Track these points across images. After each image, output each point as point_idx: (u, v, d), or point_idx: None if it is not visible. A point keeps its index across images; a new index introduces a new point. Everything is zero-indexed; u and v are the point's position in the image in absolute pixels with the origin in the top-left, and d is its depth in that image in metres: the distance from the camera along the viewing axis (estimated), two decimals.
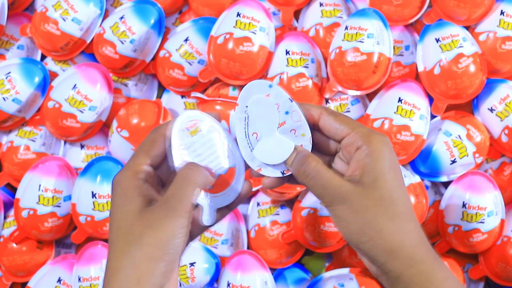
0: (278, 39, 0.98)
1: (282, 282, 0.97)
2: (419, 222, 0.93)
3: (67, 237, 1.01)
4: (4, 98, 0.97)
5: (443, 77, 0.93)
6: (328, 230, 0.93)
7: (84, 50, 1.02)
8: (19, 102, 0.98)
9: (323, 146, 0.63)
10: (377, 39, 0.93)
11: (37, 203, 0.95)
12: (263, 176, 0.61)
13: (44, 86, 0.99)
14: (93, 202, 0.93)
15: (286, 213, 0.98)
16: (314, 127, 0.61)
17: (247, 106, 0.61)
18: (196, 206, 0.59)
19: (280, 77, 0.95)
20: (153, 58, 1.02)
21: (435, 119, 0.96)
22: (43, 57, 1.05)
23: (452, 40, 0.93)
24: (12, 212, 1.00)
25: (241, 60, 0.94)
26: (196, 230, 0.60)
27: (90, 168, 0.95)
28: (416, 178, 0.95)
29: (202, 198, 0.59)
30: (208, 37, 0.97)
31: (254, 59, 0.95)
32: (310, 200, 0.94)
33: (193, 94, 0.98)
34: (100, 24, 1.00)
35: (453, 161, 0.93)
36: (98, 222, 0.94)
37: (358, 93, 0.95)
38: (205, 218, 0.59)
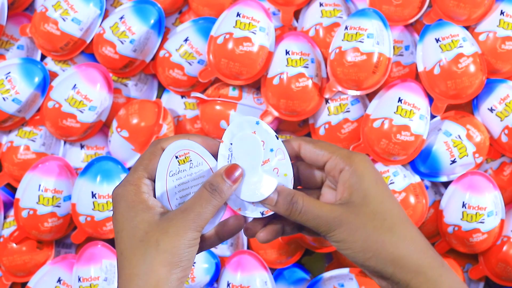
0: (278, 39, 0.98)
1: (282, 282, 0.97)
2: (420, 222, 0.94)
3: (67, 237, 1.01)
4: (4, 98, 0.97)
5: (443, 77, 0.93)
6: None
7: (84, 50, 1.02)
8: (19, 102, 0.98)
9: (309, 179, 0.63)
10: (377, 39, 0.93)
11: (37, 203, 0.95)
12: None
13: (44, 86, 0.99)
14: (93, 202, 0.93)
15: None
16: (298, 159, 0.62)
17: (231, 144, 0.60)
18: None
19: (280, 77, 0.95)
20: (153, 58, 1.02)
21: (435, 119, 0.96)
22: (43, 57, 1.05)
23: (452, 40, 0.93)
24: (12, 212, 1.00)
25: (241, 60, 0.94)
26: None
27: (90, 168, 0.95)
28: (416, 178, 0.95)
29: None
30: (208, 37, 0.97)
31: (254, 59, 0.95)
32: None
33: (193, 94, 0.98)
34: (100, 24, 1.00)
35: (453, 161, 0.93)
36: (98, 222, 0.94)
37: (358, 93, 0.95)
38: None
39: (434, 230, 0.96)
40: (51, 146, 1.01)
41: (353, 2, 1.01)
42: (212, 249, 0.95)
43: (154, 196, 0.60)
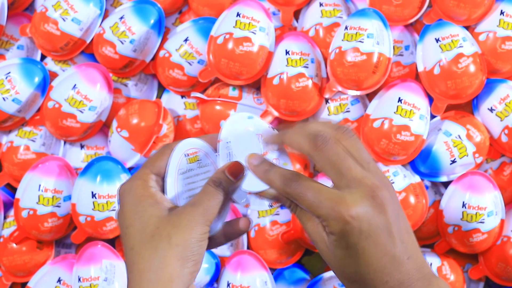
0: (278, 39, 0.98)
1: (282, 282, 0.97)
2: (419, 222, 0.93)
3: (67, 237, 1.01)
4: (4, 98, 0.97)
5: (443, 77, 0.93)
6: None
7: (84, 50, 1.02)
8: (19, 102, 0.98)
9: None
10: (377, 39, 0.93)
11: (37, 203, 0.95)
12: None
13: (44, 86, 0.99)
14: (93, 202, 0.93)
15: (286, 213, 0.98)
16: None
17: (228, 142, 0.61)
18: None
19: (280, 77, 0.95)
20: (153, 58, 1.02)
21: (435, 119, 0.96)
22: (43, 57, 1.05)
23: (452, 40, 0.93)
24: (12, 212, 1.00)
25: (241, 60, 0.94)
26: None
27: (90, 168, 0.95)
28: (416, 178, 0.95)
29: None
30: (208, 37, 0.97)
31: (254, 59, 0.95)
32: None
33: (193, 94, 0.98)
34: (100, 24, 1.00)
35: (453, 161, 0.93)
36: (98, 222, 0.94)
37: (358, 93, 0.95)
38: None
39: (434, 230, 0.96)
40: (51, 146, 1.01)
41: (353, 2, 1.01)
42: (212, 249, 0.95)
43: (161, 192, 0.60)
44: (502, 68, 0.96)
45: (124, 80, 1.03)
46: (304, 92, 0.94)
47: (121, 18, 0.98)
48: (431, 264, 0.94)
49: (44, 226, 0.95)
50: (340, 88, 0.95)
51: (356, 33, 0.93)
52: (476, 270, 0.95)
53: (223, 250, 0.96)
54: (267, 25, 0.96)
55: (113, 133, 0.98)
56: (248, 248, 0.98)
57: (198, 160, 0.60)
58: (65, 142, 1.02)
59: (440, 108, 0.95)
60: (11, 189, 1.03)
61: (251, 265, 0.93)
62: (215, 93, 0.98)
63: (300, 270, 0.99)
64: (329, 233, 0.53)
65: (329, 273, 0.93)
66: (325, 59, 0.98)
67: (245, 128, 0.61)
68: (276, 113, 0.96)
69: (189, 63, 0.98)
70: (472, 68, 0.93)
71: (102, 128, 1.02)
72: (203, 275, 0.93)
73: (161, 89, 1.05)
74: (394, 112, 0.92)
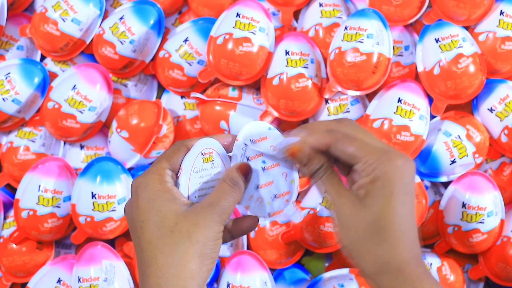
0: (278, 39, 0.98)
1: (282, 282, 0.97)
2: (419, 222, 0.93)
3: (67, 237, 1.01)
4: (3, 99, 0.97)
5: (442, 77, 0.93)
6: (327, 230, 0.93)
7: (83, 51, 1.02)
8: (19, 103, 0.98)
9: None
10: (376, 40, 0.93)
11: (37, 203, 0.95)
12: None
13: (44, 87, 0.99)
14: (93, 203, 0.93)
15: (286, 214, 0.97)
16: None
17: (245, 144, 0.61)
18: None
19: (279, 77, 0.95)
20: (153, 59, 1.02)
21: (434, 119, 0.96)
22: (42, 57, 1.05)
23: (451, 40, 0.93)
24: (12, 213, 1.00)
25: (240, 60, 0.94)
26: None
27: (90, 168, 0.95)
28: (416, 178, 0.95)
29: None
30: (207, 37, 0.97)
31: (254, 60, 0.95)
32: (309, 201, 0.94)
33: (193, 94, 0.98)
34: (100, 25, 1.00)
35: (453, 161, 0.93)
36: (97, 223, 0.94)
37: (357, 93, 0.95)
38: None
39: (434, 230, 0.96)
40: (51, 147, 1.01)
41: (352, 2, 1.01)
42: None
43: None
44: (501, 68, 0.96)
45: (124, 80, 1.03)
46: (304, 93, 0.94)
47: (121, 18, 0.98)
48: (431, 265, 0.94)
49: (44, 227, 0.95)
50: (340, 89, 0.95)
51: (356, 33, 0.93)
52: (476, 270, 0.95)
53: (223, 250, 0.96)
54: (267, 25, 0.97)
55: (113, 134, 0.98)
56: (248, 248, 0.98)
57: (211, 161, 0.61)
58: (65, 143, 1.02)
59: (440, 108, 0.95)
60: (11, 190, 1.03)
61: (251, 265, 0.93)
62: (214, 93, 0.98)
63: (300, 270, 0.99)
64: (364, 185, 0.55)
65: (329, 273, 0.93)
66: (325, 60, 0.98)
67: (260, 138, 0.62)
68: (276, 114, 0.96)
69: (188, 63, 0.98)
70: (471, 68, 0.93)
71: (102, 128, 1.02)
72: None
73: (161, 89, 1.05)
74: (394, 113, 0.92)
